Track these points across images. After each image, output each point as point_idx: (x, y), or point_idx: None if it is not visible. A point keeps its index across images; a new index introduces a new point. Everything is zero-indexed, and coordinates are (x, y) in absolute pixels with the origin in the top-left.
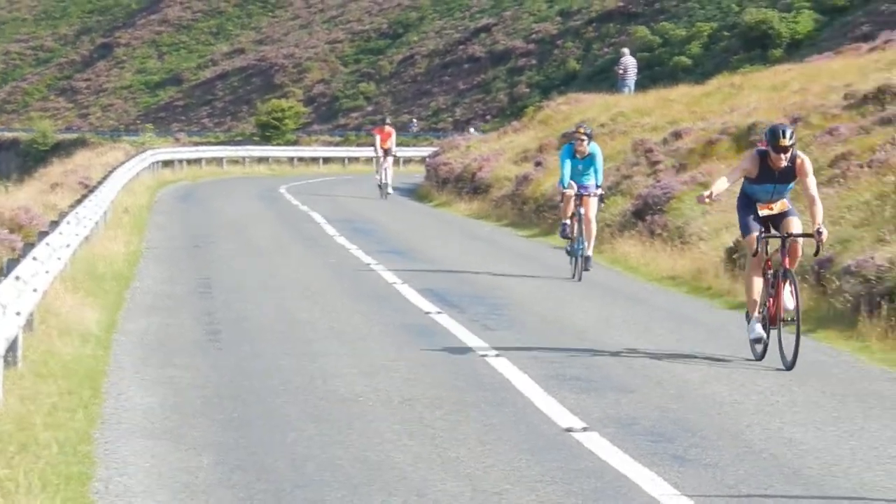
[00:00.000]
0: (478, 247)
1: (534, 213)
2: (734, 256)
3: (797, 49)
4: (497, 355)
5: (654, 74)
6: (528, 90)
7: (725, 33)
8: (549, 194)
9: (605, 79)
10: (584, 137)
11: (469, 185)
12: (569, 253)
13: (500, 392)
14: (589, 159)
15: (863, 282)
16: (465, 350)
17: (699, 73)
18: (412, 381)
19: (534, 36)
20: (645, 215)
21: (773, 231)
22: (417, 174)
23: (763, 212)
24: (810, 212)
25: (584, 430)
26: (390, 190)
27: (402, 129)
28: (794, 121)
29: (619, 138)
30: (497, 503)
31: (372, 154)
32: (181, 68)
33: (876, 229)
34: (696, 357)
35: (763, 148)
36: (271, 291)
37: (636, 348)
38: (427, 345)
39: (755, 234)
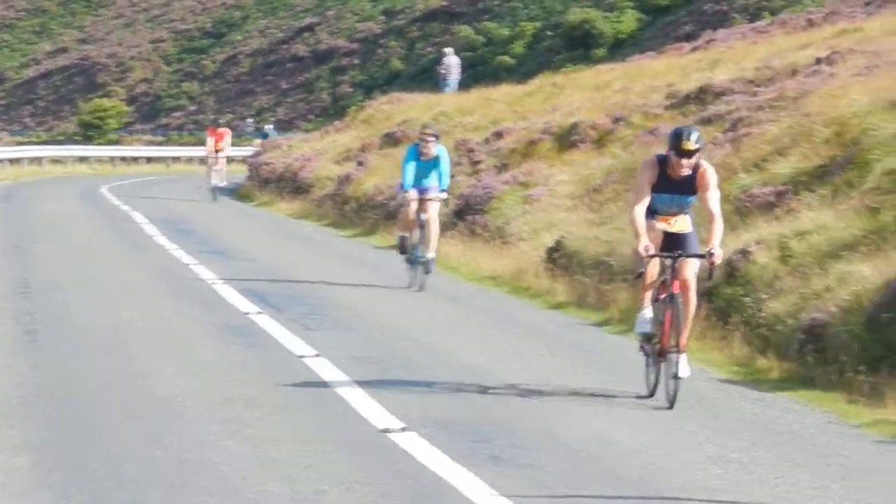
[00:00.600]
0: (299, 247)
1: (355, 212)
2: (554, 256)
3: (620, 49)
4: (316, 356)
5: (477, 74)
6: (351, 90)
7: (549, 33)
8: (370, 194)
9: (428, 78)
10: (431, 139)
11: (291, 185)
12: (408, 261)
13: (319, 393)
14: (434, 161)
15: None
16: (285, 351)
17: (522, 72)
18: (231, 381)
19: (357, 35)
20: (466, 215)
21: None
22: (239, 174)
23: (660, 225)
24: (708, 229)
25: (403, 430)
26: (221, 191)
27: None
28: (617, 120)
29: (442, 138)
30: None
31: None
32: (3, 67)
33: (696, 229)
34: (514, 357)
35: (664, 153)
36: (91, 292)
37: (455, 348)
38: (246, 345)
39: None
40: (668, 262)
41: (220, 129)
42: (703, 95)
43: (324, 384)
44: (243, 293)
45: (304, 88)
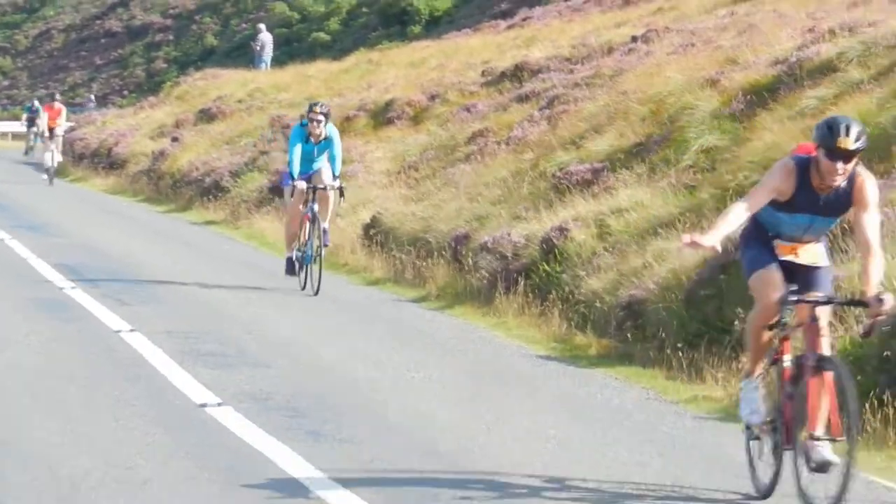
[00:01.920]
0: (114, 222)
1: (170, 188)
2: (371, 233)
3: (436, 26)
4: (131, 330)
5: (293, 50)
6: (165, 66)
7: (364, 10)
8: (185, 170)
9: (243, 55)
10: (321, 118)
11: (105, 161)
12: (297, 261)
13: (134, 367)
14: (325, 143)
15: (499, 258)
16: (100, 325)
17: (338, 49)
18: (45, 356)
19: (171, 11)
20: (280, 191)
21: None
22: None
23: (786, 256)
24: (864, 263)
25: (219, 405)
26: (56, 166)
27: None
28: (433, 97)
29: (257, 114)
30: (130, 478)
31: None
32: None
33: (513, 206)
34: (334, 333)
35: (804, 155)
36: None
37: (271, 324)
38: (60, 320)
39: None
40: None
41: (56, 105)
42: (519, 73)
43: (140, 358)
44: (57, 267)
45: (119, 64)
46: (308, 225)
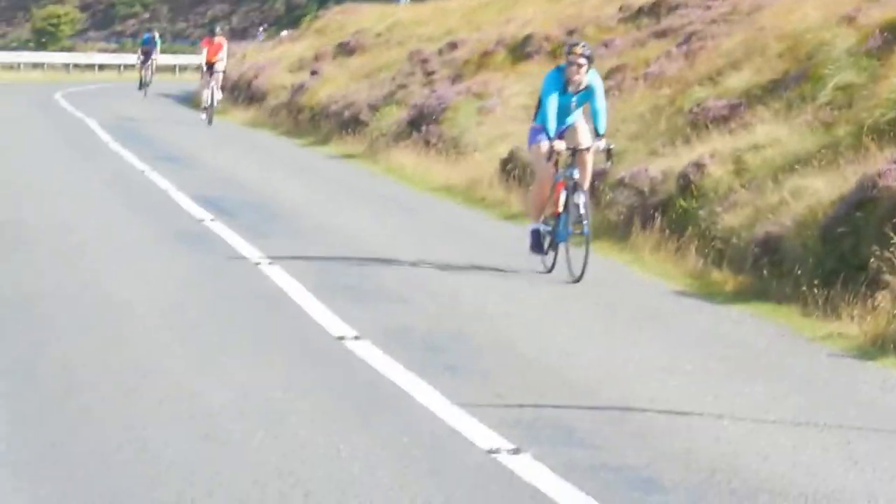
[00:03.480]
0: (254, 155)
1: (309, 121)
2: (508, 167)
3: None
4: (270, 263)
5: None
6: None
7: None
8: (324, 103)
9: None
10: (583, 61)
11: (245, 94)
12: (545, 235)
13: (274, 300)
14: (585, 93)
15: (636, 193)
16: (239, 258)
17: None
18: (185, 288)
19: None
20: (420, 125)
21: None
22: (193, 81)
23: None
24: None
25: (357, 338)
26: (218, 95)
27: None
28: (570, 32)
29: (396, 48)
30: (269, 411)
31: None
32: None
33: (650, 142)
34: (470, 268)
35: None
36: (43, 198)
37: (410, 258)
38: (200, 252)
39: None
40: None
41: (217, 40)
42: (657, 9)
43: (278, 291)
44: (197, 200)
45: None
46: (565, 194)
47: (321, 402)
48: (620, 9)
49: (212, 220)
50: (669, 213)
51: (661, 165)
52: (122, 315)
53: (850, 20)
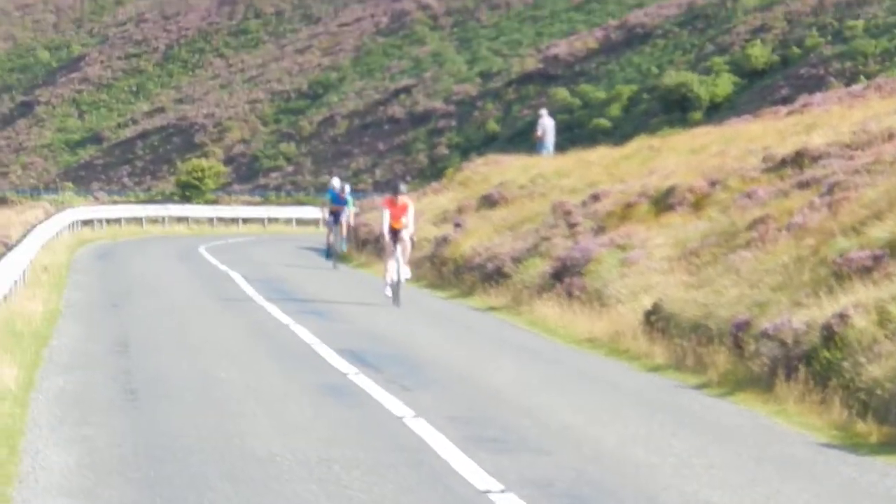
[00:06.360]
0: (396, 308)
1: (452, 274)
2: (652, 319)
3: (716, 112)
4: (414, 416)
5: (574, 136)
6: (447, 151)
7: (645, 96)
8: (468, 255)
9: (524, 140)
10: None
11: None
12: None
13: (418, 453)
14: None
15: (780, 345)
16: (383, 411)
17: (619, 135)
18: (329, 441)
19: (454, 97)
20: (563, 277)
21: None
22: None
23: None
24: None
25: (502, 491)
26: (407, 273)
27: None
28: (713, 183)
29: (539, 200)
30: None
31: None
32: (101, 127)
33: (793, 293)
34: (613, 419)
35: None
36: (188, 351)
37: (552, 410)
38: (344, 405)
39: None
40: None
41: (401, 200)
42: (799, 159)
43: (422, 444)
44: (341, 353)
45: (401, 150)
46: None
47: None
48: (763, 159)
49: (356, 373)
50: (813, 365)
51: (804, 317)
52: (267, 468)
53: None
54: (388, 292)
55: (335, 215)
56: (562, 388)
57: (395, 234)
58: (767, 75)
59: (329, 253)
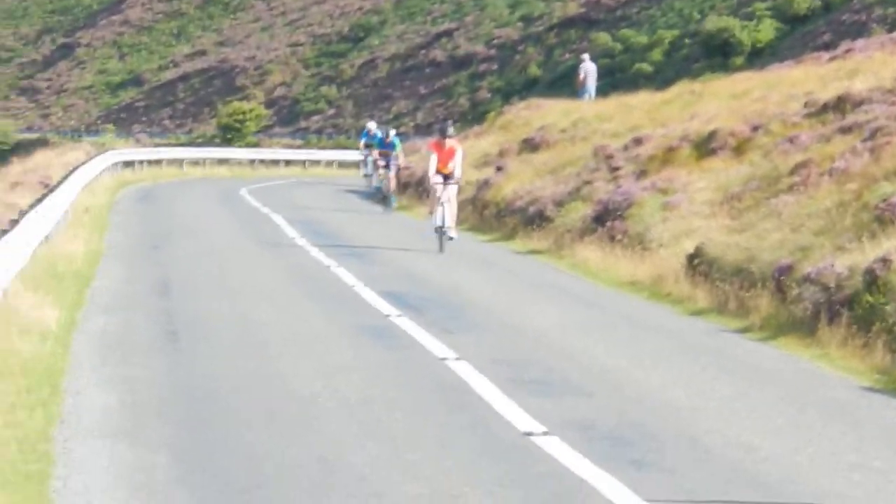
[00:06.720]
0: (436, 249)
1: (494, 217)
2: (694, 263)
3: (758, 57)
4: (457, 359)
5: (616, 81)
6: (489, 95)
7: (687, 41)
8: (509, 199)
9: (566, 84)
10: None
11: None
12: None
13: (460, 395)
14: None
15: (823, 289)
16: (425, 353)
17: (660, 80)
18: (370, 383)
19: (495, 41)
20: (605, 221)
21: None
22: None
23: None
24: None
25: (544, 434)
26: (453, 234)
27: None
28: (755, 128)
29: (580, 144)
30: None
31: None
32: (142, 69)
33: (835, 237)
34: (656, 362)
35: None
36: (229, 292)
37: (594, 353)
38: (386, 347)
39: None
40: None
41: (449, 143)
42: (841, 104)
43: (464, 386)
44: (382, 295)
45: (443, 94)
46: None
47: (510, 497)
48: (805, 105)
49: (398, 315)
50: (856, 309)
51: (847, 261)
52: (308, 409)
53: None
54: (438, 240)
55: (385, 159)
56: (603, 331)
57: (443, 178)
58: (809, 21)
59: (382, 198)
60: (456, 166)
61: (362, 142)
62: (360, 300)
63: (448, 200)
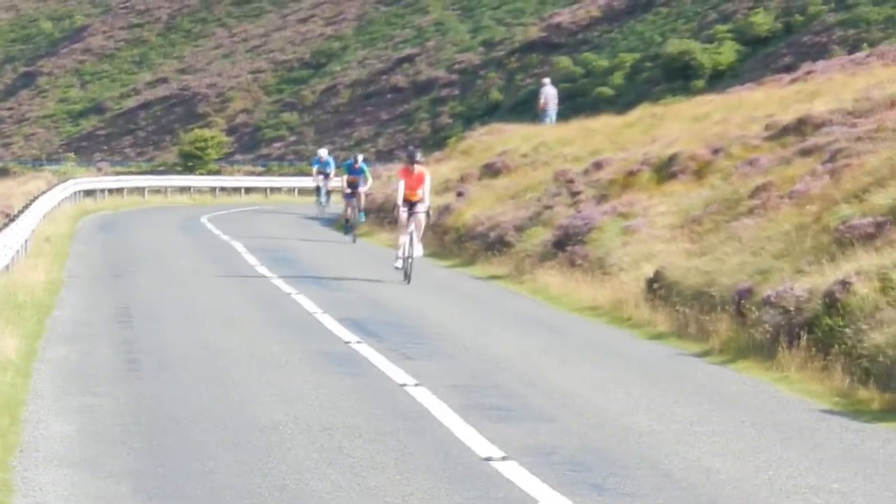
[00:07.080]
0: (396, 276)
1: (454, 243)
2: (654, 287)
3: (719, 80)
4: (416, 384)
5: (577, 105)
6: (450, 120)
7: (648, 64)
8: (470, 224)
9: (527, 109)
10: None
11: (390, 216)
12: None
13: (419, 421)
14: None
15: (782, 312)
16: (385, 379)
17: (621, 103)
18: (331, 409)
19: (457, 66)
20: (566, 246)
21: None
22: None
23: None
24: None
25: (503, 459)
26: (418, 251)
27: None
28: (716, 151)
29: (541, 168)
30: None
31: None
32: (104, 97)
33: (795, 260)
34: (616, 386)
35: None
36: (191, 320)
37: (555, 378)
38: (346, 374)
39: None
40: None
41: (418, 170)
42: (802, 127)
43: (423, 412)
44: (343, 322)
45: (404, 119)
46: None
47: None
48: (766, 127)
49: (357, 342)
50: (815, 332)
51: (806, 284)
52: (270, 437)
53: None
54: (399, 264)
55: (352, 187)
56: (564, 356)
57: (409, 206)
58: (770, 43)
59: (348, 228)
60: (425, 194)
61: (315, 168)
62: (321, 327)
63: (417, 228)
